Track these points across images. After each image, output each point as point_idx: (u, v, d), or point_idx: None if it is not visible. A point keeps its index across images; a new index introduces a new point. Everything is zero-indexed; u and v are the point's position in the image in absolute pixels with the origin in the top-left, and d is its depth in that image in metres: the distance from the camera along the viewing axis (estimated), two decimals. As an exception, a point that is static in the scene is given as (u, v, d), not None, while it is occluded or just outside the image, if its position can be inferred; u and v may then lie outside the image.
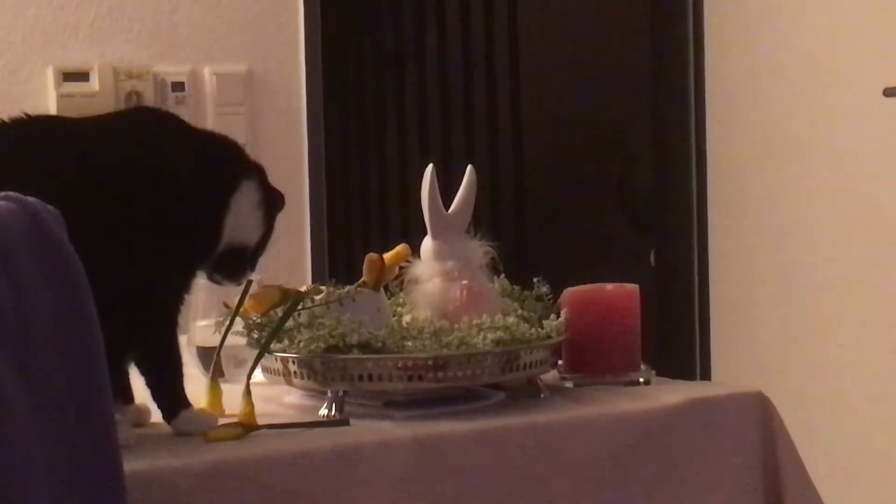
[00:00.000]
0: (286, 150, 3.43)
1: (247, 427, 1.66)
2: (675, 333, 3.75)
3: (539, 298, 1.95)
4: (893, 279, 3.25)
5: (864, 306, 3.32)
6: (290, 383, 1.80)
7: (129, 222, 1.59)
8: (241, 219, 1.70)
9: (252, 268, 1.76)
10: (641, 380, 1.95)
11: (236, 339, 1.83)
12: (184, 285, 1.69)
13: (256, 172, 1.74)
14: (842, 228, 3.36)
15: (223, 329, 1.83)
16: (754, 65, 3.57)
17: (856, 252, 3.33)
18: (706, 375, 3.67)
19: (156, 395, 1.67)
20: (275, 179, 3.45)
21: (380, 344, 1.75)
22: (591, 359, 1.94)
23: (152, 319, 1.65)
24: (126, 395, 1.68)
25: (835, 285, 3.38)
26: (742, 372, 3.57)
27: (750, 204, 3.59)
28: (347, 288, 1.86)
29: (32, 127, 1.64)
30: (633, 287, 1.98)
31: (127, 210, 1.59)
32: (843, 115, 3.35)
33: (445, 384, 1.75)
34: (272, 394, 1.86)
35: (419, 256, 1.92)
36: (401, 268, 1.93)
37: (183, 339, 1.76)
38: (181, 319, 1.72)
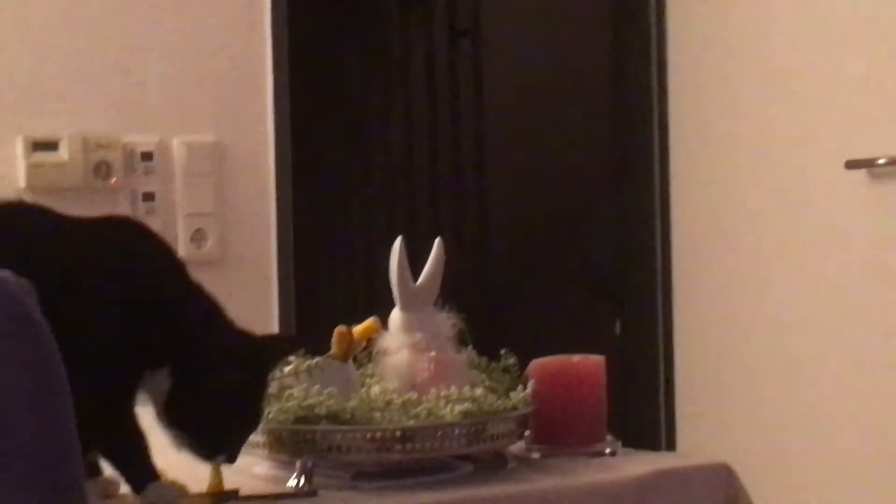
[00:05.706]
0: (254, 220, 3.44)
1: (215, 498, 1.66)
2: (641, 404, 3.76)
3: (506, 370, 1.96)
4: (862, 350, 3.27)
5: (832, 374, 3.33)
6: (259, 454, 1.80)
7: (91, 322, 1.61)
8: None
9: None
10: (608, 451, 1.96)
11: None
12: (134, 380, 1.67)
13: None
14: (807, 297, 3.39)
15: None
16: (718, 138, 3.61)
17: (824, 323, 3.35)
18: (671, 446, 3.67)
19: (122, 471, 1.66)
20: (242, 248, 3.43)
21: (348, 415, 1.76)
22: (557, 430, 1.96)
23: (104, 408, 1.64)
24: (91, 468, 1.68)
25: (802, 355, 3.39)
26: (707, 443, 3.58)
27: (715, 273, 3.62)
28: (316, 359, 1.87)
29: (19, 215, 1.68)
30: (598, 359, 2.00)
31: (91, 309, 1.62)
32: (806, 189, 3.38)
33: (413, 455, 1.76)
34: (241, 464, 1.85)
35: (388, 328, 1.94)
36: (369, 340, 1.95)
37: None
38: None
